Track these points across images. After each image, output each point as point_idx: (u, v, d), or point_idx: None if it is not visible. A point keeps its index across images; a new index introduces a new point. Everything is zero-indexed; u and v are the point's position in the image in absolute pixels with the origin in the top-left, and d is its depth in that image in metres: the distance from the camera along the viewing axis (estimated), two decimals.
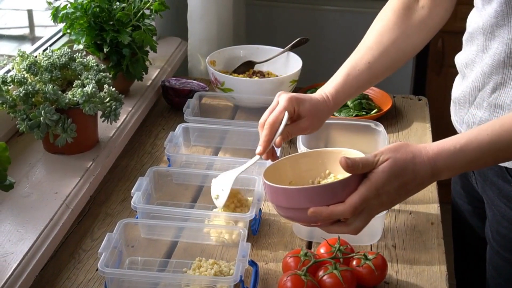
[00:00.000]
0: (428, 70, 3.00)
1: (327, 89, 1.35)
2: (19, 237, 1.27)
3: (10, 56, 1.59)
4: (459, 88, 1.37)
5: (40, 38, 2.12)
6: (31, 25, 2.26)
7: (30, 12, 2.25)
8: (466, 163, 1.08)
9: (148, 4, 1.70)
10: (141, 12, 1.69)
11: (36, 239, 1.26)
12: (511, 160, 1.19)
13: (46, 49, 1.80)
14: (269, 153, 1.28)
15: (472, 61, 1.31)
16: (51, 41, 1.93)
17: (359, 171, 1.06)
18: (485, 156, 1.08)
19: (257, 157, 1.29)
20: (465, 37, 1.36)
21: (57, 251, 1.33)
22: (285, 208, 1.11)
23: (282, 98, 1.29)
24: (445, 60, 2.94)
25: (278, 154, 1.48)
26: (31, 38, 2.32)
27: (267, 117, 1.29)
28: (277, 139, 1.27)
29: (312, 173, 1.22)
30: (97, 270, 1.27)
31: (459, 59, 1.38)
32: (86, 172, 1.47)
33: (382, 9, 1.42)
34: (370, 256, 1.23)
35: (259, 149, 1.27)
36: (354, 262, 1.24)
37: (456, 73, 1.42)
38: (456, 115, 1.40)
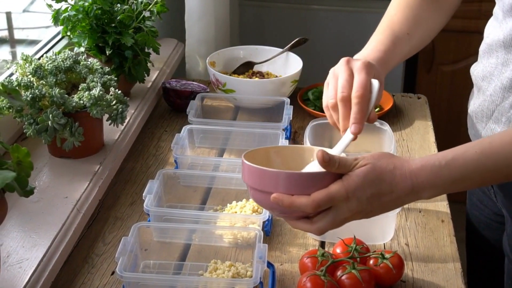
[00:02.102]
0: (419, 68, 3.02)
1: (371, 55, 1.23)
2: (33, 243, 1.25)
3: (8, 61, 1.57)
4: (476, 101, 1.32)
5: (20, 40, 2.11)
6: (10, 27, 2.24)
7: (8, 14, 2.23)
8: (451, 181, 1.02)
9: (150, 6, 1.69)
10: (143, 14, 1.68)
11: (50, 245, 1.25)
12: (500, 181, 1.12)
13: (47, 51, 1.79)
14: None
15: (490, 74, 1.27)
16: (44, 44, 1.91)
17: (334, 169, 1.01)
18: (472, 175, 1.02)
19: (350, 137, 1.11)
20: (482, 48, 1.32)
21: (70, 256, 1.32)
22: (255, 189, 1.06)
23: (357, 66, 1.13)
24: (435, 58, 2.96)
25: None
26: (10, 40, 2.30)
27: (343, 90, 1.11)
28: (371, 113, 1.12)
29: (291, 166, 1.13)
30: (112, 274, 1.27)
31: (476, 71, 1.33)
32: (95, 175, 1.45)
33: None
34: (387, 255, 1.24)
35: (354, 127, 1.10)
36: (371, 261, 1.24)
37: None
38: (473, 129, 1.36)
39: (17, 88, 1.40)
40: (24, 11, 2.39)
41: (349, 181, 1.00)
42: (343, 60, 1.16)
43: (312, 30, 2.83)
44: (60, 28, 1.72)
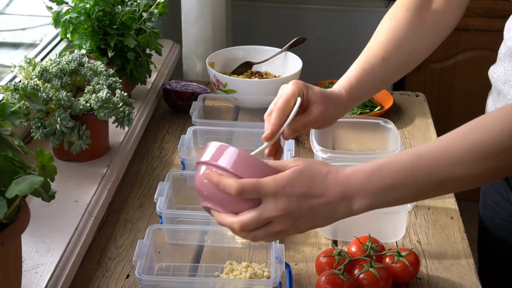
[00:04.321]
0: None
1: (339, 84, 1.27)
2: (47, 247, 1.24)
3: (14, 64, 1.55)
4: (497, 105, 1.30)
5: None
6: None
7: None
8: (382, 187, 0.98)
9: (152, 7, 1.68)
10: (145, 15, 1.67)
11: (65, 249, 1.24)
12: (437, 191, 1.04)
13: (47, 55, 1.78)
14: (273, 148, 1.15)
15: None
16: (43, 47, 1.90)
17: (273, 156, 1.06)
18: (405, 180, 0.98)
19: (265, 144, 1.14)
20: (503, 51, 1.29)
21: (83, 260, 1.30)
22: (201, 164, 1.03)
23: (287, 85, 1.18)
24: None
25: (285, 157, 1.44)
26: None
27: (273, 107, 1.16)
28: (286, 129, 1.13)
29: None
30: (127, 277, 1.27)
31: (496, 74, 1.31)
32: (103, 178, 1.45)
33: (390, 9, 1.35)
34: (403, 253, 1.24)
35: (265, 133, 1.12)
36: (387, 259, 1.25)
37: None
38: None
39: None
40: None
41: (281, 176, 0.99)
42: (281, 87, 1.20)
43: (303, 30, 2.83)
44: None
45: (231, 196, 0.99)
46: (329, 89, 1.25)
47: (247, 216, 0.99)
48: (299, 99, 1.15)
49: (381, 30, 1.33)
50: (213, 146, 1.03)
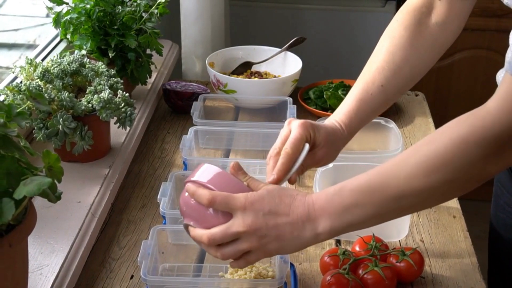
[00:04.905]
0: None
1: (338, 117, 1.25)
2: (51, 248, 1.24)
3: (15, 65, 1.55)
4: None
5: None
6: None
7: None
8: (343, 207, 1.00)
9: (153, 8, 1.68)
10: (146, 15, 1.67)
11: (69, 250, 1.24)
12: (395, 211, 1.04)
13: (47, 56, 1.77)
14: None
15: None
16: (42, 48, 1.89)
17: (245, 179, 1.07)
18: (363, 199, 1.00)
19: None
20: (510, 55, 1.22)
21: (86, 261, 1.30)
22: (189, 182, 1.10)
23: (295, 125, 1.18)
24: None
25: None
26: None
27: (280, 146, 1.16)
28: (293, 174, 1.14)
29: None
30: (131, 278, 1.27)
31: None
32: (105, 179, 1.44)
33: (389, 25, 1.32)
34: (407, 252, 1.25)
35: (271, 178, 1.13)
36: (392, 259, 1.25)
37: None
38: None
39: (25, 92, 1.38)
40: None
41: (252, 193, 1.04)
42: (286, 121, 1.21)
43: (301, 30, 2.83)
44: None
45: (206, 213, 1.05)
46: (329, 125, 1.23)
47: (215, 229, 1.04)
48: (307, 146, 1.16)
49: (379, 52, 1.30)
50: (201, 166, 1.10)
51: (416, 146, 1.02)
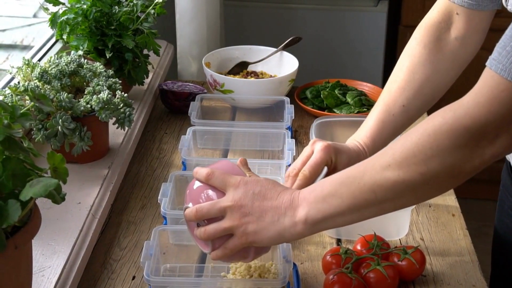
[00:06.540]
0: None
1: (361, 138, 1.25)
2: (52, 250, 1.24)
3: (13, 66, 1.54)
4: None
5: None
6: None
7: None
8: (321, 196, 1.03)
9: (150, 8, 1.68)
10: (143, 15, 1.67)
11: (70, 252, 1.23)
12: (371, 203, 1.02)
13: (43, 57, 1.77)
14: None
15: None
16: (38, 49, 1.88)
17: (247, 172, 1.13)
18: (339, 190, 1.02)
19: None
20: None
21: (88, 263, 1.30)
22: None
23: (318, 147, 1.19)
24: None
25: (285, 157, 1.47)
26: None
27: (300, 167, 1.18)
28: None
29: None
30: (133, 279, 1.26)
31: None
32: (105, 180, 1.44)
33: (408, 43, 1.31)
34: (409, 250, 1.25)
35: None
36: (394, 257, 1.25)
37: None
38: None
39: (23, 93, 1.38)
40: None
41: (249, 177, 1.10)
42: (311, 141, 1.22)
43: (296, 29, 2.83)
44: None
45: (202, 195, 1.10)
46: (353, 149, 1.23)
47: (204, 203, 1.08)
48: (325, 169, 1.18)
49: (399, 71, 1.29)
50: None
51: (397, 139, 1.04)
